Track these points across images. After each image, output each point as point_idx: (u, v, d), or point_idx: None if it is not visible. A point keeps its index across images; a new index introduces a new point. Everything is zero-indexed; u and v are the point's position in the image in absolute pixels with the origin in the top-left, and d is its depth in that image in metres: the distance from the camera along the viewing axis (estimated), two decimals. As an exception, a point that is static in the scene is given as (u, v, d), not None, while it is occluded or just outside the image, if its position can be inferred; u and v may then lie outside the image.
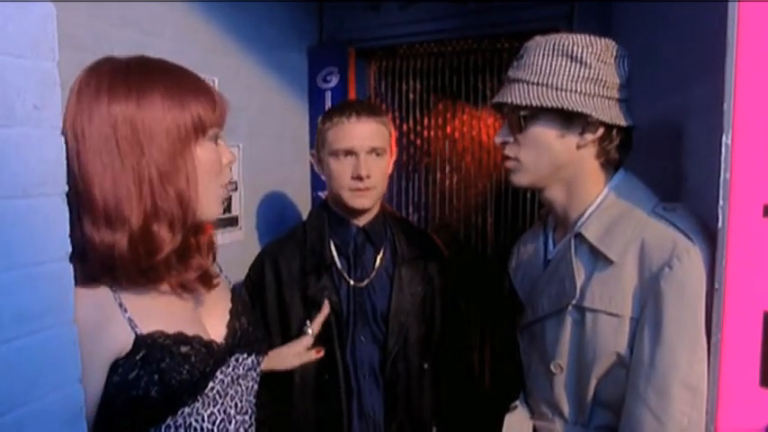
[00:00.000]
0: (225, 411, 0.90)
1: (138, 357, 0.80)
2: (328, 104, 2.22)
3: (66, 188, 0.71)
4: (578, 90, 0.95)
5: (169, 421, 0.83)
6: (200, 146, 0.85)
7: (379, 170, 1.37)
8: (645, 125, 1.09)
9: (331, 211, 1.44)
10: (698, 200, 0.99)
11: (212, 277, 0.94)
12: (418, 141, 2.44)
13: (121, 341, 0.80)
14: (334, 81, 2.21)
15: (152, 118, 0.80)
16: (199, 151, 0.85)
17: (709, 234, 0.90)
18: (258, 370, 1.00)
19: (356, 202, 1.37)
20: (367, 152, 1.35)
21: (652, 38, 1.39)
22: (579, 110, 0.94)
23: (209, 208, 0.88)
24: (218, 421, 0.88)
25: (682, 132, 1.15)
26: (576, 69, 0.96)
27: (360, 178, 1.33)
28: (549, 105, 0.95)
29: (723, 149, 0.82)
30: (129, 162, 0.79)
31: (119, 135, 0.79)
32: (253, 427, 0.97)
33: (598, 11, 1.86)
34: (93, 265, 0.79)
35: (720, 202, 0.83)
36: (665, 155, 1.21)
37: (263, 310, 1.41)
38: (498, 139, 1.06)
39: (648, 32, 1.43)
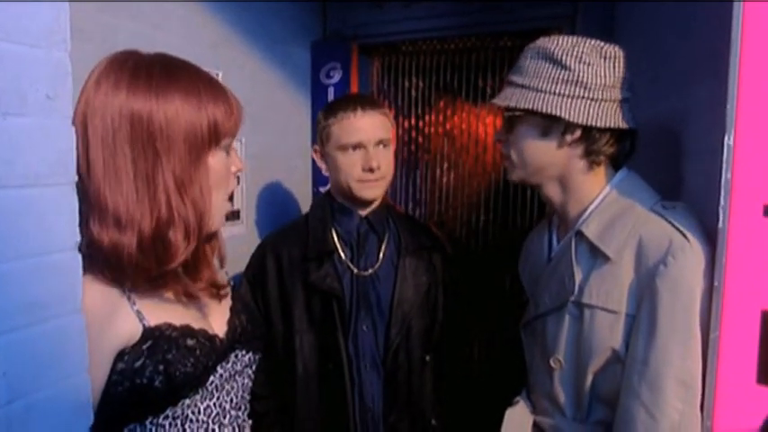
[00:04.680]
0: (221, 405, 0.90)
1: (144, 347, 0.81)
2: (331, 100, 2.22)
3: (76, 178, 0.72)
4: (556, 92, 0.98)
5: (168, 412, 0.84)
6: (212, 155, 0.84)
7: (387, 160, 1.39)
8: (647, 125, 1.10)
9: (334, 202, 1.44)
10: (697, 200, 1.00)
11: (221, 287, 0.93)
12: (420, 138, 2.44)
13: (129, 332, 0.81)
14: (336, 77, 2.21)
15: (169, 117, 0.78)
16: (211, 161, 0.84)
17: (706, 232, 0.91)
18: (254, 367, 1.01)
19: (366, 192, 1.37)
20: (375, 144, 1.36)
21: (655, 37, 1.40)
22: (551, 112, 0.97)
23: (217, 218, 0.88)
24: (213, 414, 0.89)
25: (682, 132, 1.16)
26: (554, 72, 0.98)
27: (371, 170, 1.35)
28: (524, 107, 1.00)
29: (725, 150, 0.83)
30: (141, 166, 0.78)
31: (134, 134, 0.77)
32: (246, 423, 0.98)
33: (601, 10, 1.86)
34: (99, 264, 0.78)
35: (721, 202, 0.84)
36: (666, 154, 1.22)
37: (264, 300, 1.41)
38: (495, 137, 1.13)
39: (651, 32, 1.44)
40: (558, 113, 0.97)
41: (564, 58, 0.97)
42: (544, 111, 0.97)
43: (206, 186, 0.83)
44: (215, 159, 0.85)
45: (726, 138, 0.83)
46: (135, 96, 0.78)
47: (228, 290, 0.97)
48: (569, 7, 1.93)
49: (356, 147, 1.36)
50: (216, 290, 0.92)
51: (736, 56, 0.82)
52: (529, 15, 2.00)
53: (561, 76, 0.98)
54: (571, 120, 0.97)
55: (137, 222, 0.78)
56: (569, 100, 0.97)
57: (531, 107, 0.99)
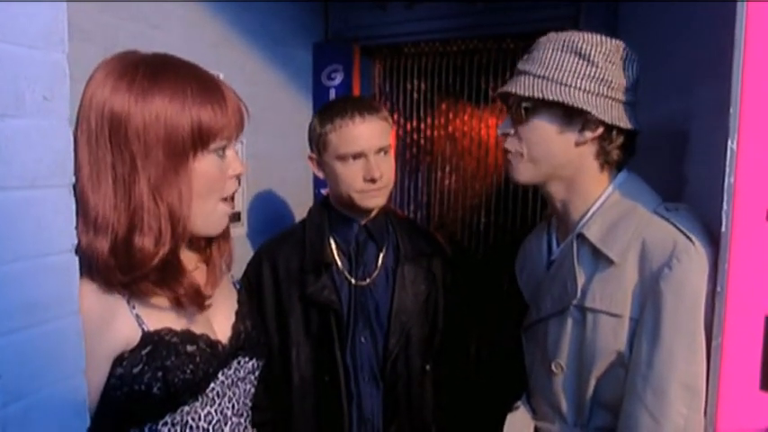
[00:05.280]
0: (222, 412, 0.89)
1: (144, 352, 0.80)
2: (325, 103, 2.21)
3: (74, 180, 0.71)
4: (582, 87, 0.96)
5: (167, 418, 0.83)
6: (198, 160, 0.81)
7: (389, 168, 1.34)
8: (650, 126, 1.09)
9: (332, 209, 1.41)
10: (699, 203, 0.99)
11: (204, 298, 0.89)
12: (421, 141, 2.44)
13: (128, 336, 0.80)
14: (338, 79, 2.21)
15: (147, 120, 0.76)
16: (197, 166, 0.81)
17: (710, 235, 0.90)
18: (257, 374, 0.99)
19: (369, 202, 1.33)
20: (375, 152, 1.31)
21: (657, 41, 1.39)
22: (580, 106, 0.95)
23: (204, 223, 0.85)
24: (214, 421, 0.88)
25: (684, 134, 1.15)
26: (582, 67, 0.96)
27: (373, 180, 1.30)
28: (551, 98, 0.96)
29: (728, 154, 0.82)
30: (120, 170, 0.77)
31: (113, 137, 0.76)
32: (248, 430, 0.97)
33: (604, 12, 1.86)
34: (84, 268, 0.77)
35: (724, 207, 0.83)
36: (668, 156, 1.21)
37: (260, 309, 1.38)
38: (500, 131, 1.07)
39: (654, 35, 1.43)
40: (588, 108, 0.94)
41: (592, 53, 0.95)
42: (573, 104, 0.95)
43: (186, 192, 0.80)
44: (202, 164, 0.82)
45: (729, 142, 0.82)
46: (115, 97, 0.76)
47: (212, 301, 0.92)
48: (572, 9, 1.93)
49: (356, 156, 1.30)
50: (200, 299, 0.88)
51: (739, 59, 0.81)
52: (531, 17, 1.99)
53: (587, 72, 0.96)
54: (598, 116, 0.95)
55: (112, 226, 0.77)
56: (594, 97, 0.95)
57: (557, 99, 0.95)
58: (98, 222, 0.76)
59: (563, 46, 0.98)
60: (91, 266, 0.77)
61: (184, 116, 0.78)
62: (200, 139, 0.81)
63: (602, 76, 0.96)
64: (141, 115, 0.77)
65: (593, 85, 0.96)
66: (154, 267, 0.79)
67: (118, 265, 0.77)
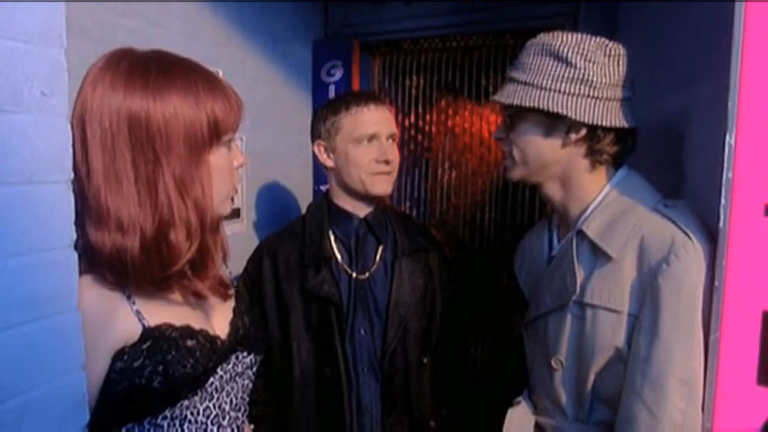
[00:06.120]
0: (220, 407, 0.90)
1: (144, 347, 0.80)
2: (333, 97, 2.21)
3: (72, 176, 0.71)
4: (561, 90, 0.96)
5: (166, 412, 0.83)
6: (213, 153, 0.83)
7: (397, 155, 1.41)
8: (649, 123, 1.09)
9: (332, 204, 1.43)
10: (697, 199, 0.99)
11: (227, 287, 0.92)
12: (420, 137, 2.44)
13: (128, 332, 0.80)
14: (338, 75, 2.21)
15: (167, 117, 0.77)
16: (212, 159, 0.83)
17: (708, 231, 0.90)
18: (255, 369, 1.00)
19: (379, 187, 1.38)
20: (387, 137, 1.38)
21: (657, 35, 1.39)
22: (557, 110, 0.96)
23: (219, 206, 0.88)
24: (212, 416, 0.88)
25: (684, 130, 1.15)
26: (560, 69, 0.97)
27: (386, 162, 1.36)
28: (528, 105, 0.97)
29: (726, 149, 0.82)
30: (142, 169, 0.77)
31: (132, 137, 0.77)
32: (245, 425, 0.97)
33: (604, 9, 1.85)
34: (101, 267, 0.78)
35: (722, 201, 0.83)
36: (668, 153, 1.21)
37: (261, 304, 1.40)
38: (495, 136, 1.11)
39: (653, 31, 1.43)
40: (564, 112, 0.95)
41: (569, 55, 0.96)
42: (549, 109, 0.96)
43: (208, 185, 0.82)
44: (216, 156, 0.84)
45: (727, 136, 0.82)
46: (132, 97, 0.77)
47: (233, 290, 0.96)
48: (572, 5, 1.93)
49: (371, 138, 1.36)
50: (223, 289, 0.91)
51: (737, 55, 0.81)
52: (531, 13, 1.99)
53: (566, 74, 0.96)
54: (577, 119, 0.95)
55: (139, 225, 0.78)
56: (574, 98, 0.96)
57: (535, 105, 0.97)
58: (125, 223, 0.77)
59: (542, 49, 0.99)
60: (112, 267, 0.78)
61: (200, 110, 0.80)
62: (216, 133, 0.83)
63: (581, 77, 0.96)
64: (161, 112, 0.78)
65: (572, 86, 0.96)
66: (188, 261, 0.82)
67: (151, 263, 0.79)
